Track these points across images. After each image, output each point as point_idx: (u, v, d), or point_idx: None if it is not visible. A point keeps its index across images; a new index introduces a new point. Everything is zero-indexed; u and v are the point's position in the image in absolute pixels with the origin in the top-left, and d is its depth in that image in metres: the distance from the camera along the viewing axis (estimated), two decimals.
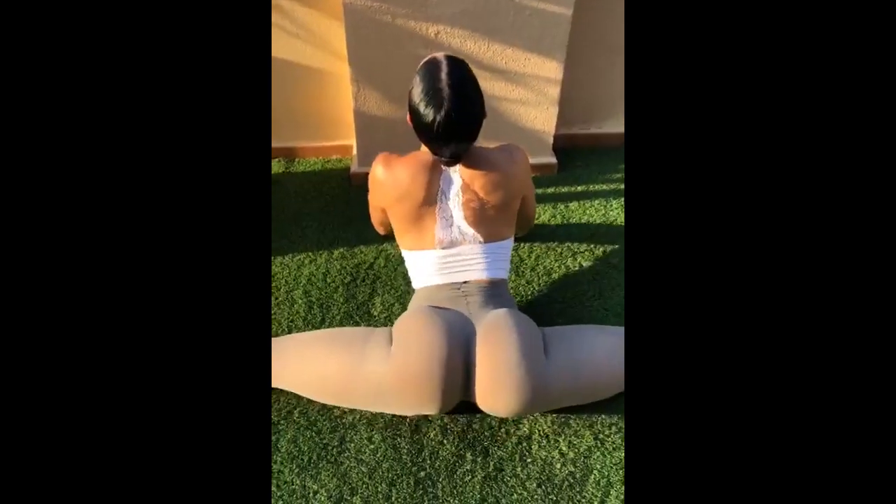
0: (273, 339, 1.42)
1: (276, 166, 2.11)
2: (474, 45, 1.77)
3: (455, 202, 1.32)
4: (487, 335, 1.26)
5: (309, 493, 1.25)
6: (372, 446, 1.32)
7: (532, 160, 2.01)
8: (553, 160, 2.05)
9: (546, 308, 1.63)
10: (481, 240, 1.35)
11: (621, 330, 1.42)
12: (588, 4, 1.88)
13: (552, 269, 1.74)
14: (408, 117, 1.28)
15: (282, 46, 1.89)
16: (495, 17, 1.72)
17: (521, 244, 1.81)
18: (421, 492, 1.25)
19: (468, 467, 1.29)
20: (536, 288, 1.69)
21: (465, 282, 1.36)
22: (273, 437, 1.34)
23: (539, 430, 1.35)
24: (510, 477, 1.28)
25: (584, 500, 1.24)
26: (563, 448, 1.33)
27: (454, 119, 1.20)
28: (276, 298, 1.64)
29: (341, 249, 1.79)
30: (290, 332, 1.55)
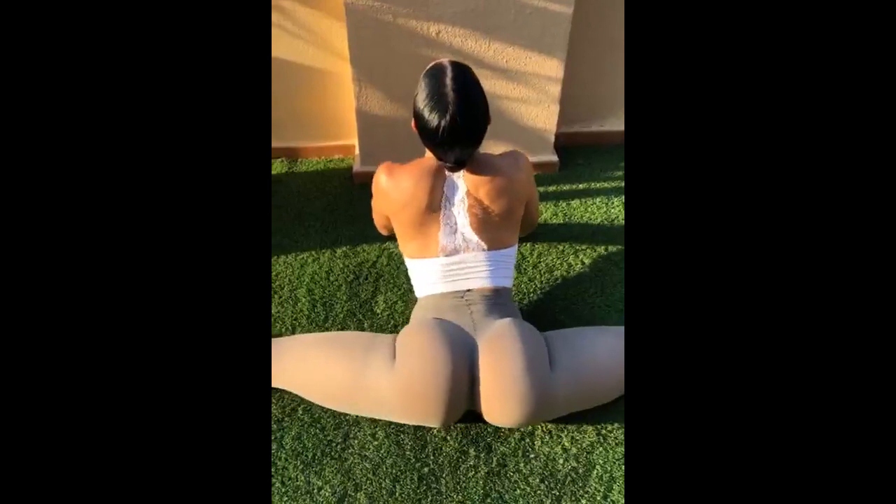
0: (276, 340, 1.43)
1: (279, 166, 2.12)
2: (475, 43, 1.78)
3: (460, 208, 1.32)
4: (491, 347, 1.25)
5: (313, 490, 1.26)
6: (376, 443, 1.33)
7: (533, 158, 2.02)
8: (554, 158, 2.06)
9: (548, 305, 1.63)
10: (485, 247, 1.34)
11: (623, 330, 1.42)
12: (589, 2, 1.89)
13: (554, 266, 1.75)
14: (412, 123, 1.29)
15: (284, 47, 1.90)
16: (496, 16, 1.73)
17: (523, 242, 1.81)
18: (424, 487, 1.26)
19: (471, 463, 1.30)
20: (538, 285, 1.69)
21: (468, 290, 1.35)
22: (277, 434, 1.35)
23: (542, 426, 1.36)
24: (513, 472, 1.28)
25: (586, 495, 1.25)
26: (566, 443, 1.33)
27: (459, 124, 1.20)
28: (280, 297, 1.65)
29: (344, 248, 1.80)
30: (293, 330, 1.56)
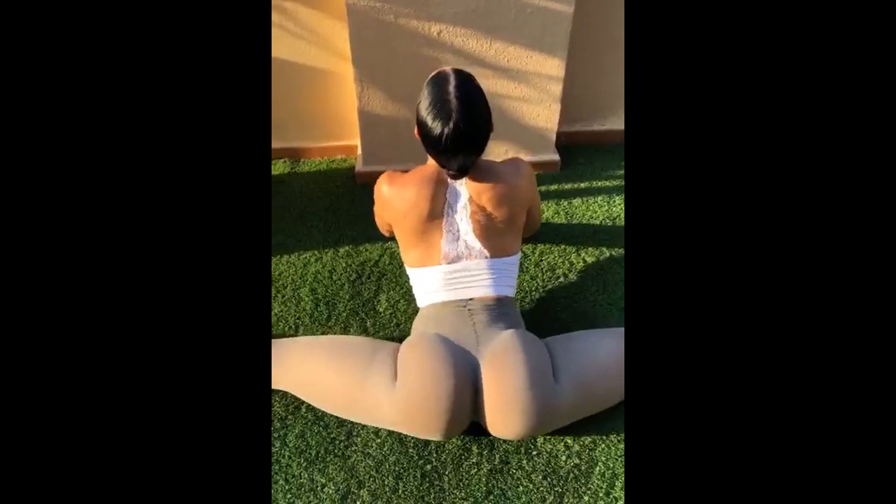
0: (279, 342, 1.43)
1: (282, 167, 2.13)
2: (476, 43, 1.78)
3: (462, 215, 1.32)
4: (494, 360, 1.24)
5: (317, 487, 1.26)
6: (378, 440, 1.34)
7: (535, 158, 2.03)
8: (556, 157, 2.06)
9: (550, 304, 1.64)
10: (487, 255, 1.34)
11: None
12: (590, 2, 1.90)
13: (556, 265, 1.75)
14: (415, 130, 1.29)
15: (286, 48, 1.91)
16: (497, 16, 1.74)
17: (525, 242, 1.82)
18: (427, 484, 1.27)
19: (474, 460, 1.30)
20: (540, 284, 1.70)
21: (470, 298, 1.34)
22: (281, 432, 1.35)
23: None
24: (516, 469, 1.29)
25: (589, 492, 1.25)
26: (568, 441, 1.34)
27: (462, 131, 1.21)
28: (283, 296, 1.66)
29: (347, 247, 1.81)
30: (297, 328, 1.57)
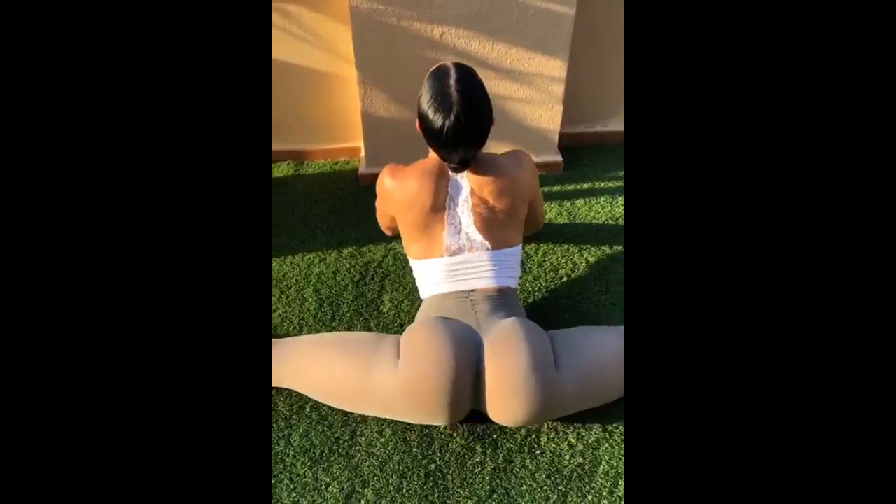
0: (282, 341, 1.44)
1: (286, 168, 2.14)
2: (479, 45, 1.79)
3: (464, 208, 1.33)
4: (496, 346, 1.26)
5: (321, 486, 1.27)
6: (382, 440, 1.34)
7: (538, 159, 2.03)
8: (558, 158, 2.07)
9: (553, 304, 1.64)
10: (489, 247, 1.35)
11: None
12: (592, 4, 1.91)
13: (559, 265, 1.76)
14: (417, 124, 1.30)
15: (289, 51, 1.92)
16: (499, 18, 1.75)
17: (528, 242, 1.82)
18: (431, 484, 1.27)
19: (478, 459, 1.31)
20: (543, 284, 1.70)
21: (472, 290, 1.35)
22: (285, 432, 1.36)
23: (548, 423, 1.37)
24: (519, 468, 1.29)
25: (592, 491, 1.25)
26: (572, 440, 1.34)
27: (463, 124, 1.22)
28: (287, 297, 1.67)
29: (350, 248, 1.81)
30: (301, 329, 1.58)
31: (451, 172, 1.33)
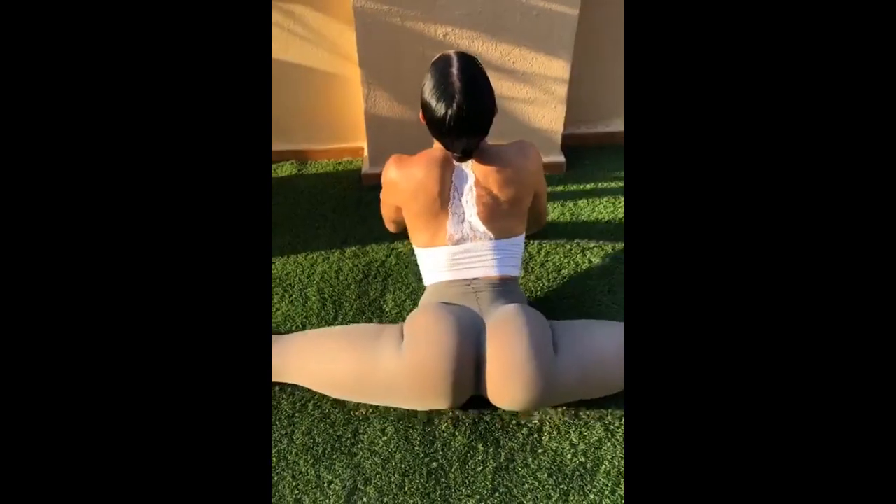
0: (286, 336, 1.45)
1: (289, 168, 2.15)
2: (482, 45, 1.80)
3: (468, 198, 1.34)
4: (497, 330, 1.28)
5: (324, 483, 1.27)
6: (385, 438, 1.34)
7: None
8: (561, 159, 2.07)
9: (556, 304, 1.65)
10: (492, 236, 1.37)
11: None
12: (595, 4, 1.91)
13: (562, 265, 1.76)
14: (420, 114, 1.31)
15: (294, 51, 1.93)
16: (502, 18, 1.75)
17: (531, 241, 1.83)
18: (433, 482, 1.27)
19: (480, 458, 1.31)
20: (546, 284, 1.71)
21: (475, 278, 1.37)
22: (288, 430, 1.36)
23: (550, 422, 1.37)
24: (521, 467, 1.29)
25: (594, 490, 1.26)
26: (574, 439, 1.34)
27: (465, 112, 1.22)
28: (291, 295, 1.67)
29: (353, 248, 1.82)
30: (304, 327, 1.58)
31: (455, 162, 1.34)
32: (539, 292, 1.68)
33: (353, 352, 1.32)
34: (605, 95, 2.15)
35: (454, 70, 1.24)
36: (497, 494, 1.25)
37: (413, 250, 1.51)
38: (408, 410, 1.38)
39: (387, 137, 1.96)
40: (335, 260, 1.78)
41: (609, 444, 1.33)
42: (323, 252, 1.81)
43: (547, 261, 1.77)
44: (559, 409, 1.39)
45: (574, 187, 2.04)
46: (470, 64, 1.27)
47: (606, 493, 1.25)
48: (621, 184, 2.05)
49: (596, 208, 1.95)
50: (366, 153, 2.07)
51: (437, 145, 1.36)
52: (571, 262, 1.77)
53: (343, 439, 1.35)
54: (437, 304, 1.33)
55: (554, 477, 1.28)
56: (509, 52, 1.82)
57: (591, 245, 1.82)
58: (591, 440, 1.34)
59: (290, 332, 1.57)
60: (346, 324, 1.60)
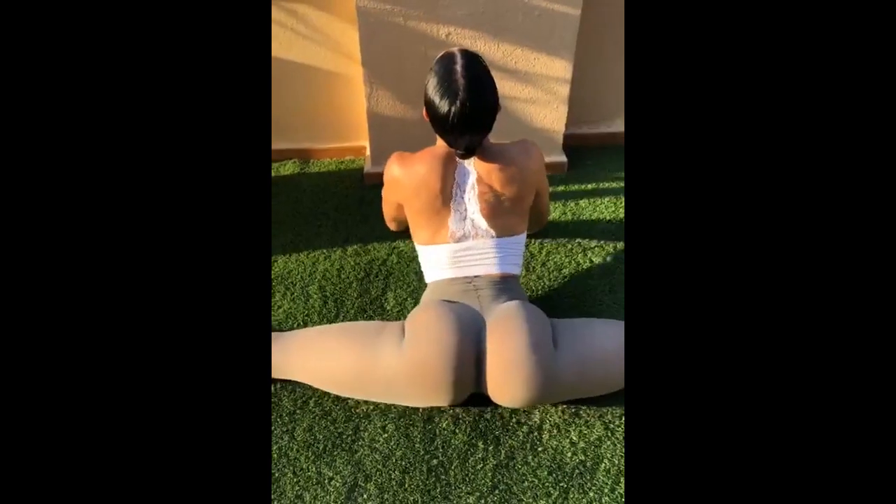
0: (287, 333, 1.46)
1: (292, 167, 2.16)
2: (484, 45, 1.80)
3: (470, 195, 1.35)
4: (498, 327, 1.28)
5: (324, 480, 1.28)
6: (385, 435, 1.35)
7: None
8: (563, 159, 2.08)
9: (557, 303, 1.65)
10: (494, 234, 1.37)
11: None
12: (597, 5, 1.92)
13: (563, 264, 1.76)
14: (423, 112, 1.32)
15: (297, 50, 1.94)
16: (504, 18, 1.76)
17: (532, 241, 1.83)
18: (434, 479, 1.28)
19: (480, 455, 1.31)
20: (547, 283, 1.71)
21: (476, 276, 1.38)
22: (290, 426, 1.37)
23: (550, 420, 1.37)
24: (521, 465, 1.30)
25: (594, 488, 1.26)
26: (574, 437, 1.34)
27: (469, 109, 1.23)
28: (293, 293, 1.68)
29: (355, 246, 1.83)
30: (305, 325, 1.59)
31: (458, 159, 1.34)
32: (540, 291, 1.69)
33: (354, 349, 1.33)
34: (607, 96, 2.15)
35: (458, 67, 1.25)
36: (497, 492, 1.25)
37: (414, 249, 1.51)
38: (408, 408, 1.39)
39: (389, 137, 1.97)
40: (337, 258, 1.79)
41: (609, 442, 1.33)
42: (325, 250, 1.81)
43: (548, 260, 1.78)
44: (559, 408, 1.39)
45: (575, 187, 2.05)
46: (473, 61, 1.27)
47: (606, 490, 1.25)
48: (622, 184, 2.05)
49: (597, 208, 1.96)
50: (368, 152, 2.07)
51: (440, 142, 1.37)
52: (573, 262, 1.77)
53: (344, 436, 1.35)
54: (439, 302, 1.33)
55: (554, 475, 1.28)
56: (511, 52, 1.82)
57: (593, 245, 1.82)
58: (591, 438, 1.34)
59: (291, 329, 1.58)
60: (348, 321, 1.60)
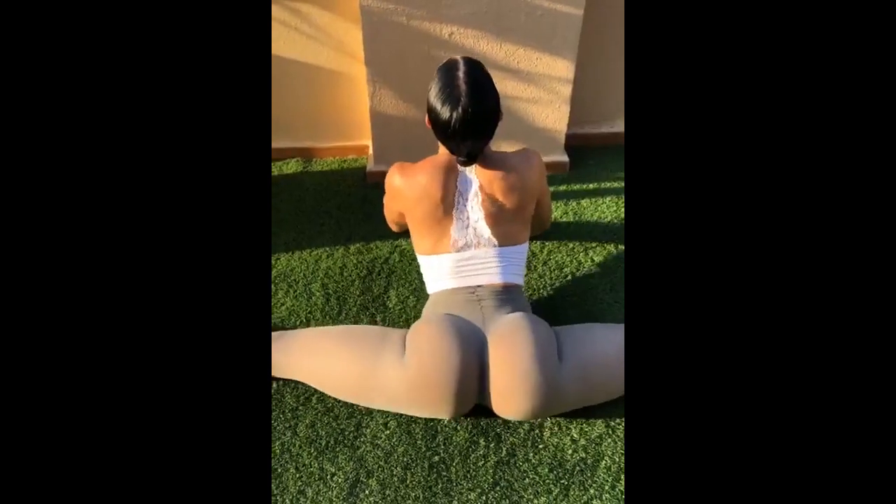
0: (290, 332, 1.46)
1: (294, 166, 2.16)
2: (487, 45, 1.81)
3: (473, 203, 1.35)
4: (501, 340, 1.28)
5: (326, 476, 1.28)
6: (387, 432, 1.36)
7: (544, 158, 2.04)
8: (565, 158, 2.09)
9: (558, 302, 1.66)
10: (496, 243, 1.37)
11: None
12: (600, 5, 1.92)
13: (564, 263, 1.77)
14: (426, 119, 1.32)
15: (300, 49, 1.95)
16: (507, 18, 1.77)
17: (534, 240, 1.84)
18: (435, 475, 1.28)
19: (481, 452, 1.32)
20: (548, 282, 1.72)
21: (478, 286, 1.37)
22: (292, 423, 1.38)
23: (551, 418, 1.38)
24: (522, 462, 1.31)
25: (595, 485, 1.27)
26: (575, 435, 1.35)
27: (470, 116, 1.24)
28: (295, 291, 1.69)
29: (357, 245, 1.83)
30: (308, 322, 1.60)
31: (460, 168, 1.35)
32: (541, 290, 1.69)
33: (355, 358, 1.33)
34: (609, 96, 2.16)
35: (460, 74, 1.26)
36: (498, 488, 1.26)
37: (418, 258, 1.51)
38: None
39: (392, 136, 1.97)
40: (339, 256, 1.79)
41: (610, 439, 1.34)
42: (327, 248, 1.82)
43: (549, 259, 1.78)
44: None
45: (577, 187, 2.06)
46: (475, 68, 1.28)
47: (606, 487, 1.26)
48: (624, 184, 2.06)
49: (599, 208, 1.97)
50: (371, 151, 2.08)
51: (442, 150, 1.37)
52: (574, 261, 1.78)
53: (346, 433, 1.36)
54: (441, 318, 1.32)
55: (555, 472, 1.29)
56: (514, 51, 1.83)
57: (594, 244, 1.83)
58: (592, 436, 1.35)
59: (294, 327, 1.59)
60: (351, 318, 1.61)
